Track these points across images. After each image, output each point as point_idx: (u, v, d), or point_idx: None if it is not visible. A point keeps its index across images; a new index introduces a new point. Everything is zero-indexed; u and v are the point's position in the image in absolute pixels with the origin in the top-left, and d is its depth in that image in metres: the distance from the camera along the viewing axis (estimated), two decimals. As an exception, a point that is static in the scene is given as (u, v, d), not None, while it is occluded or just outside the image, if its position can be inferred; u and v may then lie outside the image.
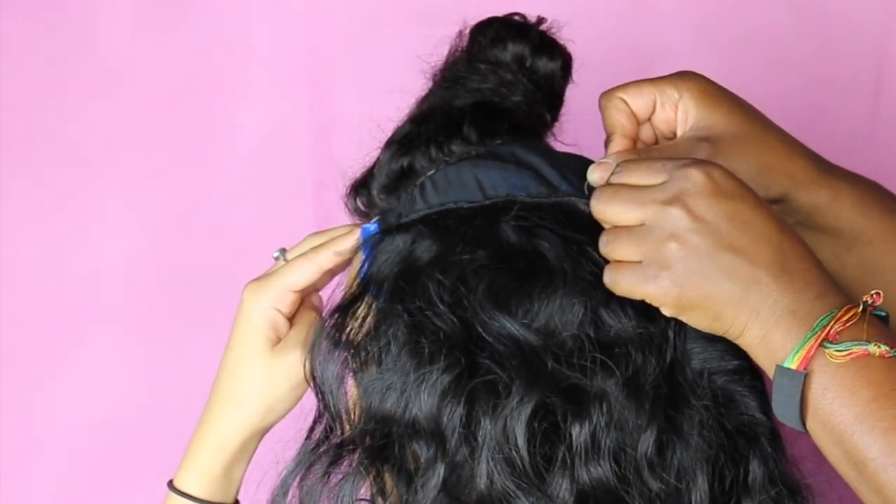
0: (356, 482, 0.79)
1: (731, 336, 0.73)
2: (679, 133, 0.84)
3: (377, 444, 0.78)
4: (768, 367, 0.72)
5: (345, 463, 0.80)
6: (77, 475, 1.41)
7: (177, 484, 0.92)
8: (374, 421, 0.78)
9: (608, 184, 0.77)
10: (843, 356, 0.69)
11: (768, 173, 0.84)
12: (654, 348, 0.77)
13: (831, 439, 0.69)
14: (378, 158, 0.85)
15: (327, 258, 0.87)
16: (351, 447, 0.80)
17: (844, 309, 0.70)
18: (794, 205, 0.86)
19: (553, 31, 0.86)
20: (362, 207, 0.87)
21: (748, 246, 0.72)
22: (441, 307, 0.77)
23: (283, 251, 0.91)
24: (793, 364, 0.69)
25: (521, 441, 0.73)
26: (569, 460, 0.74)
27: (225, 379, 0.90)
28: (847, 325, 0.69)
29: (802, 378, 0.69)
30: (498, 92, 0.83)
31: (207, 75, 1.40)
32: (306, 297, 0.91)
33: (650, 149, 0.84)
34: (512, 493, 0.74)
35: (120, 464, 1.40)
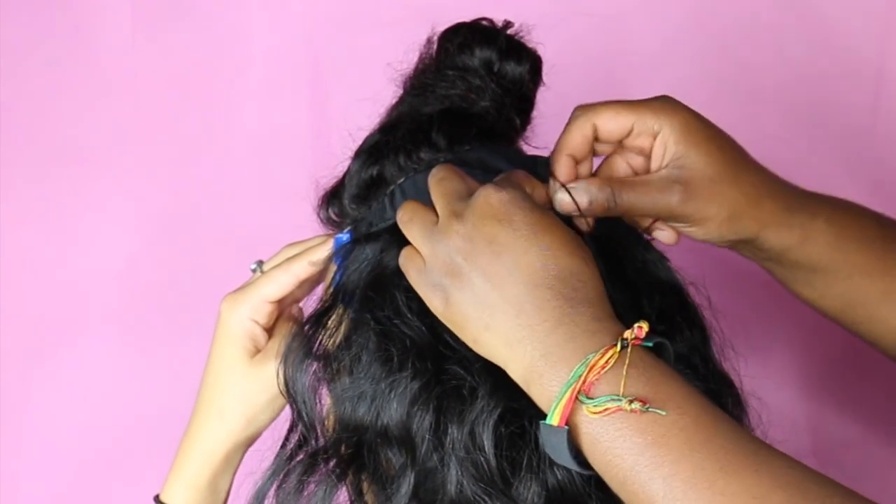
0: (329, 490, 0.80)
1: (499, 365, 0.73)
2: (653, 166, 0.83)
3: (350, 452, 0.79)
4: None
5: (319, 472, 0.81)
6: (72, 476, 1.43)
7: (163, 497, 0.94)
8: (347, 429, 0.80)
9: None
10: (599, 412, 0.66)
11: (738, 218, 0.82)
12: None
13: (615, 486, 0.67)
14: (349, 168, 0.86)
15: (302, 268, 0.88)
16: (325, 456, 0.81)
17: (601, 353, 0.67)
18: (765, 246, 0.85)
19: (522, 34, 0.86)
20: (335, 217, 0.89)
21: (499, 273, 0.71)
22: (409, 315, 0.78)
23: (260, 263, 0.93)
24: (553, 421, 0.67)
25: (488, 445, 0.75)
26: (535, 464, 0.75)
27: (206, 391, 0.92)
28: (605, 370, 0.67)
29: (566, 434, 0.67)
30: (466, 98, 0.84)
31: (207, 75, 1.41)
32: (285, 309, 0.93)
33: (621, 180, 0.83)
34: (481, 499, 0.74)
35: (117, 465, 1.42)
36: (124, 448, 1.41)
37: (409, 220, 0.77)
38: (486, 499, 0.74)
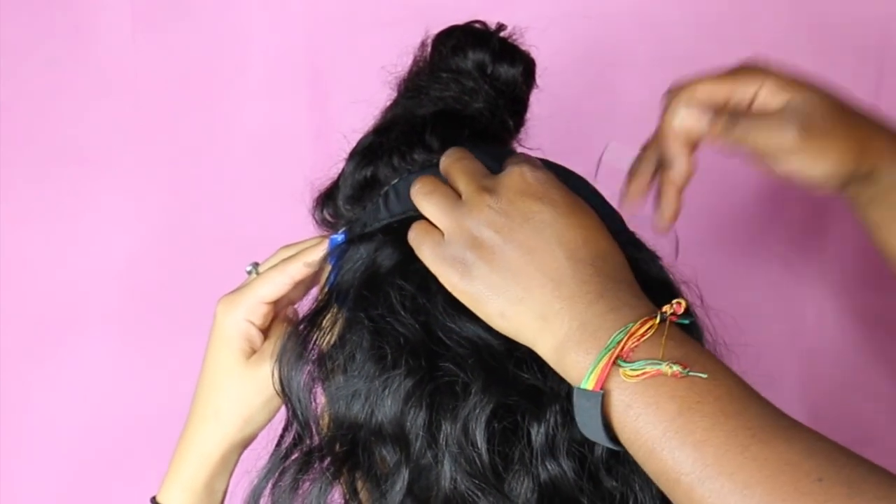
0: (324, 488, 0.81)
1: (526, 341, 0.74)
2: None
3: (345, 450, 0.80)
4: (571, 382, 0.72)
5: (314, 470, 0.82)
6: (72, 476, 1.44)
7: (160, 499, 0.94)
8: (342, 428, 0.81)
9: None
10: (637, 376, 0.68)
11: (858, 153, 0.85)
12: None
13: (641, 456, 0.68)
14: (343, 169, 0.87)
15: (297, 269, 0.89)
16: (320, 454, 0.82)
17: (640, 322, 0.69)
18: (877, 179, 0.87)
19: (515, 37, 0.87)
20: (329, 218, 0.90)
21: (538, 247, 0.73)
22: (403, 313, 0.79)
23: (256, 265, 0.93)
24: (588, 385, 0.69)
25: (480, 441, 0.76)
26: (528, 459, 0.76)
27: (202, 393, 0.93)
28: (643, 339, 0.69)
29: (600, 398, 0.68)
30: (460, 100, 0.85)
31: (207, 75, 1.42)
32: (281, 310, 0.94)
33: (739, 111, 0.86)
34: (474, 495, 0.76)
35: (117, 465, 1.43)
36: (124, 448, 1.42)
37: (428, 192, 0.78)
38: (480, 494, 0.75)
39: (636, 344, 0.68)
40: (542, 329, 0.72)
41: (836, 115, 0.85)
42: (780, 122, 0.84)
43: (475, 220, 0.74)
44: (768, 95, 0.85)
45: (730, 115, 0.84)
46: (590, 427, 0.70)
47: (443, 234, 0.76)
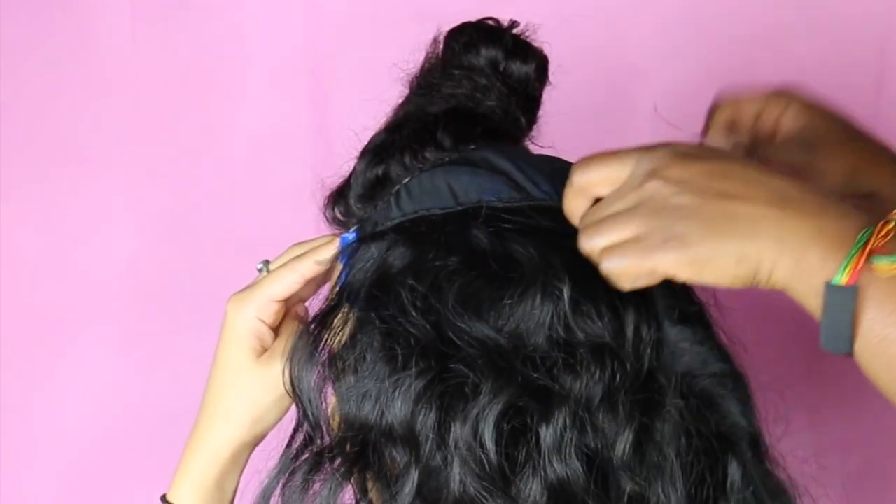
0: (334, 489, 0.81)
1: (762, 277, 0.72)
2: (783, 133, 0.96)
3: (355, 451, 0.80)
4: (807, 294, 0.70)
5: (325, 470, 0.81)
6: (73, 476, 1.44)
7: (170, 497, 0.94)
8: (352, 428, 0.80)
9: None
10: (895, 268, 0.67)
11: (857, 173, 0.94)
12: (628, 350, 0.77)
13: (889, 356, 0.68)
14: (354, 168, 0.86)
15: (308, 267, 0.88)
16: (330, 455, 0.82)
17: (881, 224, 0.68)
18: (882, 200, 0.93)
19: (527, 34, 0.86)
20: (340, 217, 0.89)
21: (738, 190, 0.72)
22: (414, 314, 0.78)
23: (266, 263, 0.93)
24: (841, 280, 0.68)
25: (489, 441, 0.75)
26: (536, 461, 0.75)
27: (212, 391, 0.92)
28: (886, 239, 0.68)
29: (854, 293, 0.68)
30: (472, 97, 0.85)
31: (207, 75, 1.42)
32: (291, 308, 0.93)
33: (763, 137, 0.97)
34: (483, 497, 0.75)
35: (117, 465, 1.43)
36: (125, 448, 1.42)
37: (598, 229, 0.75)
38: (488, 496, 0.75)
39: (882, 242, 0.68)
40: (782, 251, 0.70)
41: (840, 141, 0.94)
42: (796, 145, 0.94)
43: (664, 198, 0.72)
44: (791, 117, 0.94)
45: (753, 140, 0.94)
46: (836, 327, 0.69)
47: (634, 233, 0.73)
